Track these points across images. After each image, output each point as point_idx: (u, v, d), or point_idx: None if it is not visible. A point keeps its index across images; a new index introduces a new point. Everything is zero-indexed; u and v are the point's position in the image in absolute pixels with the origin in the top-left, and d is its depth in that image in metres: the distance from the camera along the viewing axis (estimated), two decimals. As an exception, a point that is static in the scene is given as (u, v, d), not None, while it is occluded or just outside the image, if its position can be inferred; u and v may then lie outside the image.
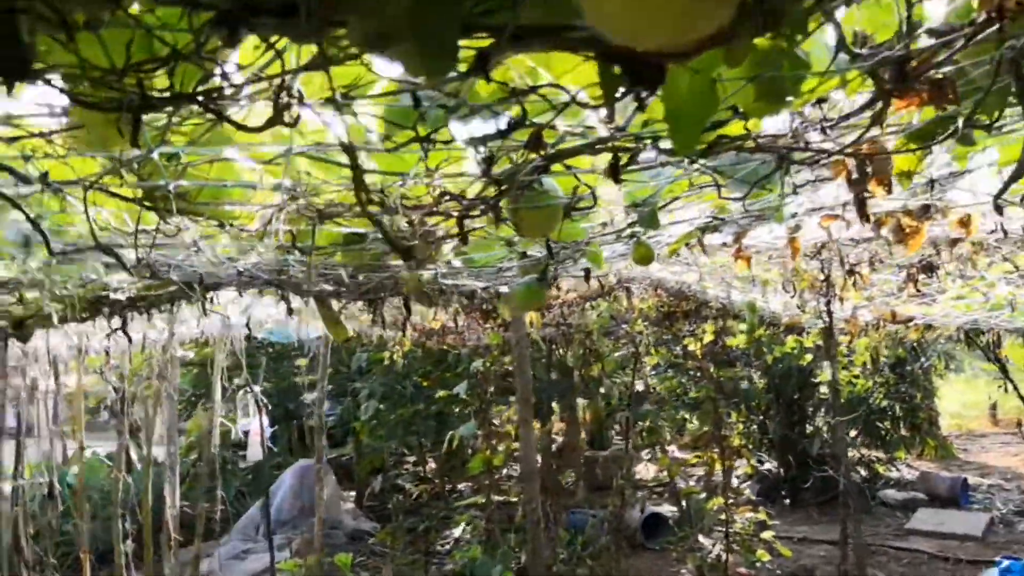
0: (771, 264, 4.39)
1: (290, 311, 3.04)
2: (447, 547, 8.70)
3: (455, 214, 1.36)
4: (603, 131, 1.17)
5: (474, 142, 0.96)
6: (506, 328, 5.84)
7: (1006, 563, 6.49)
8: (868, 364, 8.27)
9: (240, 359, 6.21)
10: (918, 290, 3.87)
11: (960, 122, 1.18)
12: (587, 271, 2.47)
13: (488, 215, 1.40)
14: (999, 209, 1.48)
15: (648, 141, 1.15)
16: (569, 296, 5.68)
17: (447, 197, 1.35)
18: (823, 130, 1.15)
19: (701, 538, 8.01)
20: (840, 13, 1.03)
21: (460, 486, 10.23)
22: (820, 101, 1.09)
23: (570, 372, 7.53)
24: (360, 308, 3.68)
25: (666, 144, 1.24)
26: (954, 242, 3.31)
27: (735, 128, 1.20)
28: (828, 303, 4.28)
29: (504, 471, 9.00)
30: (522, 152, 1.20)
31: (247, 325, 3.60)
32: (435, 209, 1.36)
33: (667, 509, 9.42)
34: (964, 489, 10.00)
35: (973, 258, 3.57)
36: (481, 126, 1.26)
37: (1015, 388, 6.50)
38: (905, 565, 8.20)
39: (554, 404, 9.56)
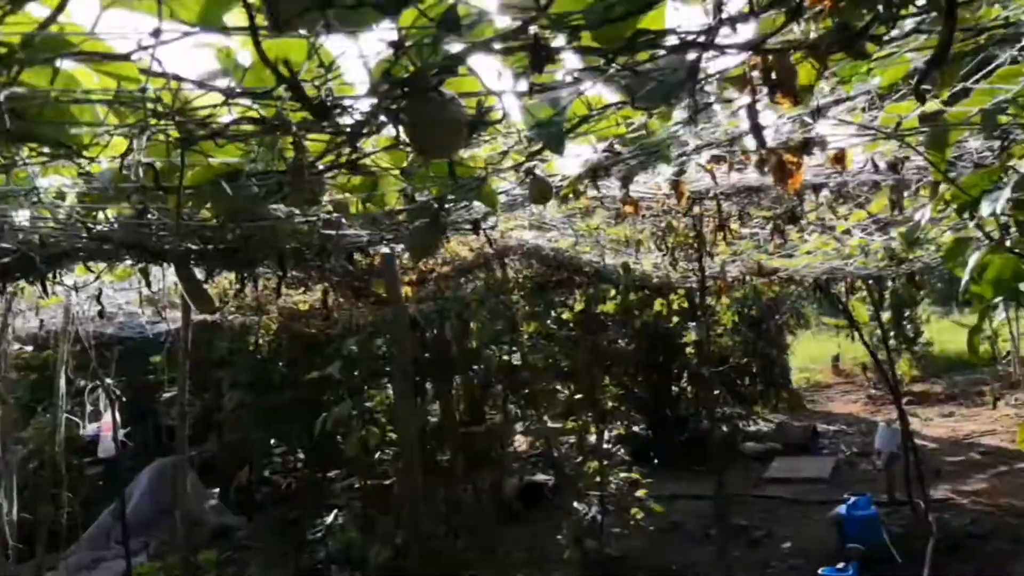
0: (644, 224, 4.45)
1: (148, 284, 2.76)
2: (321, 535, 8.45)
3: (348, 130, 1.21)
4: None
5: (386, 6, 0.83)
6: (381, 306, 5.65)
7: (852, 499, 7.00)
8: (730, 324, 8.68)
9: (89, 354, 5.68)
10: (784, 239, 4.03)
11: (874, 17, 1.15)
12: (475, 222, 2.36)
13: (386, 136, 1.26)
14: (920, 95, 1.48)
15: (568, 32, 1.05)
16: (445, 269, 5.56)
17: (338, 110, 1.19)
18: (752, 12, 1.09)
19: (576, 503, 8.17)
20: None
21: (331, 473, 9.94)
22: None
23: (445, 349, 7.44)
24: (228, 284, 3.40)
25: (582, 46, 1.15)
26: (817, 188, 3.45)
27: (655, 20, 1.12)
28: (700, 258, 4.39)
29: (377, 455, 8.82)
30: (428, 49, 1.07)
31: (97, 299, 3.22)
32: (324, 125, 1.20)
33: (544, 478, 9.55)
34: (814, 437, 10.74)
35: (833, 206, 3.74)
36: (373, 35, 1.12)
37: (860, 336, 7.00)
38: (764, 511, 8.71)
39: (427, 385, 9.44)
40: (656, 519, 8.15)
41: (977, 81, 1.88)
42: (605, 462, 7.44)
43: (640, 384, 10.52)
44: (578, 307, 7.49)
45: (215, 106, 1.25)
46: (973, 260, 2.49)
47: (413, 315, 6.61)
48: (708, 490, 8.03)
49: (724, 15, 1.10)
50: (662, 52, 1.23)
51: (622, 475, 7.43)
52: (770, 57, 1.38)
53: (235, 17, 1.08)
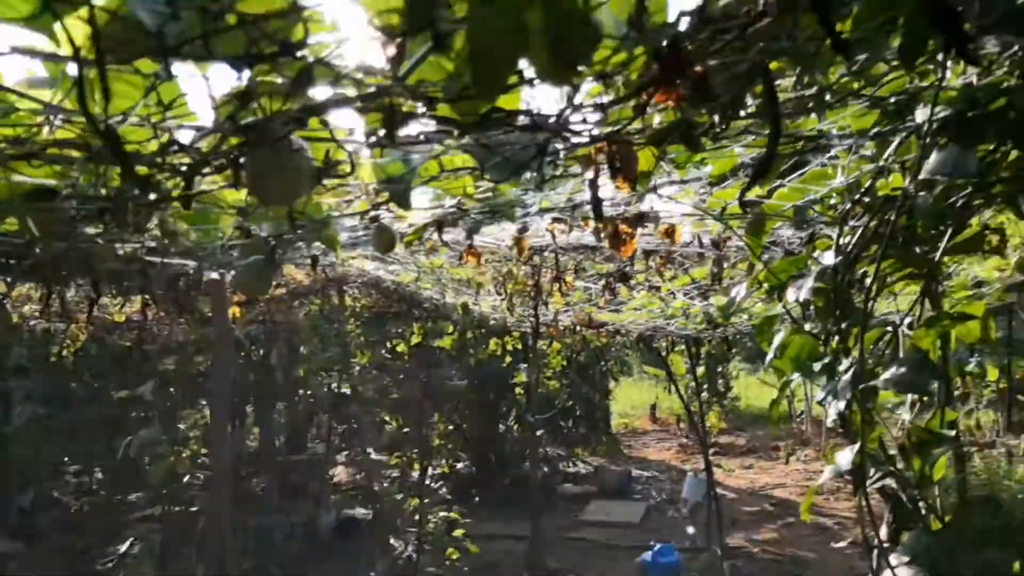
0: (486, 267, 4.52)
1: (-70, 287, 2.46)
2: (112, 566, 7.79)
3: (184, 168, 1.15)
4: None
5: (236, 63, 0.79)
6: (205, 324, 5.35)
7: (657, 547, 7.34)
8: (559, 367, 8.95)
9: None
10: (614, 296, 4.21)
11: (716, 117, 1.24)
12: (314, 258, 2.29)
13: (225, 172, 1.20)
14: (744, 205, 1.61)
15: (425, 101, 1.05)
16: (279, 291, 5.36)
17: (175, 147, 1.13)
18: (602, 107, 1.14)
19: (393, 540, 8.05)
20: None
21: (132, 497, 9.22)
22: (604, 77, 1.07)
23: (271, 373, 7.14)
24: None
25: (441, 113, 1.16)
26: (648, 254, 3.65)
27: (511, 101, 1.15)
28: (536, 307, 4.51)
29: (186, 479, 8.31)
30: (277, 101, 1.04)
31: None
32: (160, 160, 1.13)
33: (362, 512, 9.34)
34: (628, 482, 11.18)
35: (661, 270, 3.96)
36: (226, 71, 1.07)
37: (676, 389, 7.43)
38: (577, 554, 8.94)
39: (248, 408, 9.00)
40: (472, 559, 8.17)
41: (791, 180, 2.07)
42: (426, 500, 7.39)
43: (469, 421, 10.57)
44: (415, 340, 7.44)
45: (31, 127, 1.15)
46: (777, 338, 2.72)
47: (239, 337, 6.30)
48: (526, 530, 8.17)
49: (576, 103, 1.15)
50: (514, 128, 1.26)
51: (441, 514, 7.40)
52: (615, 144, 1.45)
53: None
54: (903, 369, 2.30)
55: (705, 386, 13.68)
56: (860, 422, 2.52)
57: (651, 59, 1.00)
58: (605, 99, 1.14)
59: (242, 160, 1.18)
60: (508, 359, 8.02)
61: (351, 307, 5.97)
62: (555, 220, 2.51)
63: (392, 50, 0.81)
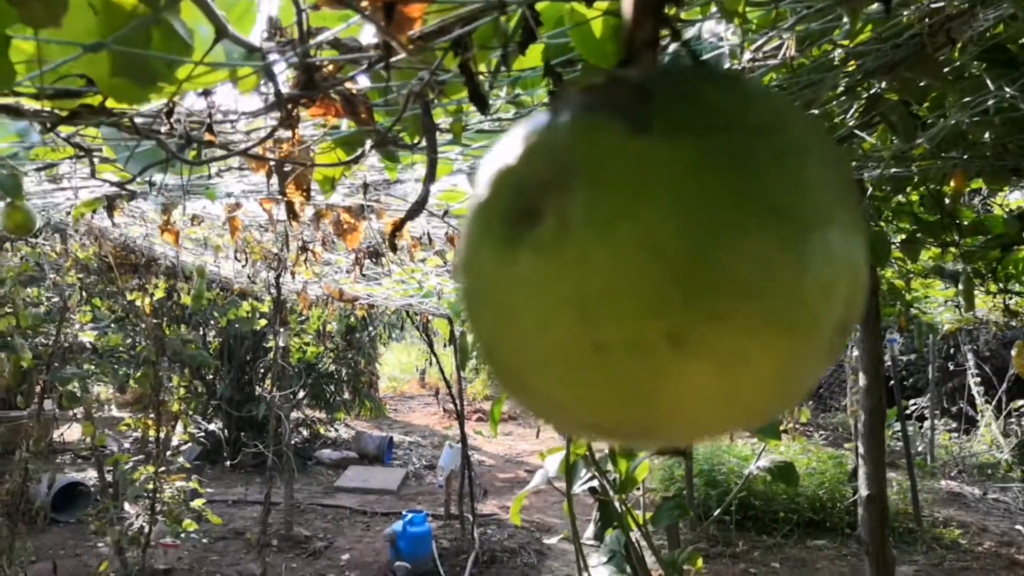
0: (224, 230, 4.14)
1: None
2: None
3: None
4: None
5: None
6: None
7: (410, 516, 7.34)
8: (320, 332, 8.65)
9: None
10: (363, 274, 4.02)
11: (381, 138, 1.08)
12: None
13: None
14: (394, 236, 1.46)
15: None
16: (-25, 234, 4.59)
17: None
18: (210, 128, 0.93)
19: (128, 508, 7.44)
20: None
21: None
22: (206, 93, 0.87)
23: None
24: None
25: None
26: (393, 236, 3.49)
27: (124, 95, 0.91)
28: (278, 277, 4.20)
29: None
30: None
31: None
32: None
33: (93, 476, 8.54)
34: (389, 447, 11.12)
35: (412, 250, 3.82)
36: None
37: (437, 361, 7.41)
38: (330, 521, 8.77)
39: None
40: (217, 528, 7.72)
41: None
42: (162, 468, 6.83)
43: (223, 381, 9.96)
44: (158, 295, 6.79)
45: None
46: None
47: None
48: (279, 497, 7.85)
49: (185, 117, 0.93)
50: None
51: (178, 484, 6.88)
52: (283, 147, 1.25)
53: None
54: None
55: (473, 352, 13.89)
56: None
57: (271, 79, 0.81)
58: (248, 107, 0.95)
59: None
60: (262, 322, 7.58)
61: (76, 256, 5.27)
62: (268, 199, 2.27)
63: None
